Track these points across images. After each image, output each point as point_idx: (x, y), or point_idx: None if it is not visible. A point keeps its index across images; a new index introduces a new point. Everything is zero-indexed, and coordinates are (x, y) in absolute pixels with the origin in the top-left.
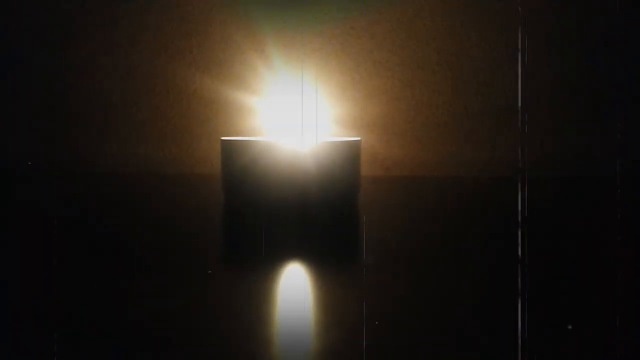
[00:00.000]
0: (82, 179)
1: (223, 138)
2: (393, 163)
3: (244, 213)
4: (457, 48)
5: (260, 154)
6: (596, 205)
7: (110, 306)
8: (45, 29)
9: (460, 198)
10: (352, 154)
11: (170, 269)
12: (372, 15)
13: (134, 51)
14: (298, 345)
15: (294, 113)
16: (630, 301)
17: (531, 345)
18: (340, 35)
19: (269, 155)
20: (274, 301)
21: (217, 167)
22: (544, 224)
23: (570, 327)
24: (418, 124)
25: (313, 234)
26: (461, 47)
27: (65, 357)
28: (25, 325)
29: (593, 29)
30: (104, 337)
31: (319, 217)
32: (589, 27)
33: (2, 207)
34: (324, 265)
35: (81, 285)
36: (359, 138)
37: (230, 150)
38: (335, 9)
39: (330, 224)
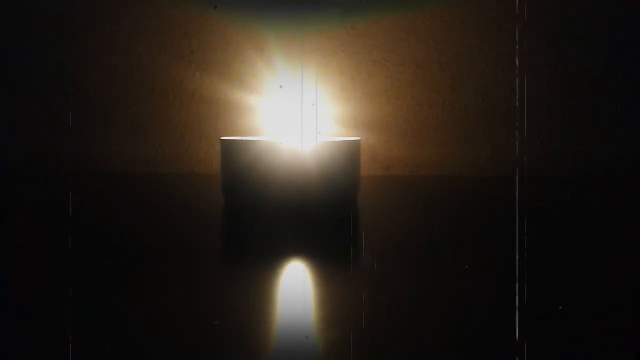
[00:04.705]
0: (82, 179)
1: (223, 138)
2: (393, 163)
3: (244, 213)
4: (457, 48)
5: (260, 154)
6: (596, 206)
7: (109, 305)
8: (45, 29)
9: (460, 198)
10: (352, 154)
11: (170, 269)
12: (373, 15)
13: (134, 51)
14: (297, 344)
15: (294, 113)
16: (630, 301)
17: (530, 344)
18: (340, 35)
19: (269, 155)
20: (273, 301)
21: (217, 167)
22: (544, 224)
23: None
24: (418, 124)
25: (313, 234)
26: (461, 47)
27: (66, 354)
28: (26, 323)
29: (593, 29)
30: (104, 336)
31: (319, 217)
32: (589, 26)
33: (1, 207)
34: (324, 264)
35: (81, 285)
36: (359, 138)
37: (230, 150)
38: (336, 9)
39: (330, 224)
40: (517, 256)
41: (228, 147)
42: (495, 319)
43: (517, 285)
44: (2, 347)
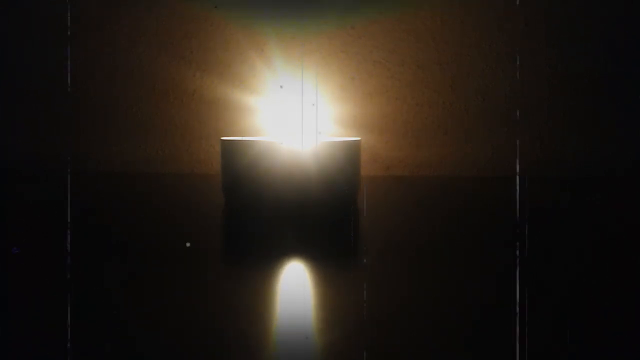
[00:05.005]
0: (82, 179)
1: (223, 138)
2: (393, 163)
3: (244, 213)
4: (457, 48)
5: (260, 154)
6: (596, 206)
7: (110, 305)
8: (45, 29)
9: (460, 198)
10: (352, 154)
11: (170, 269)
12: (372, 15)
13: (134, 51)
14: (297, 344)
15: (294, 113)
16: (631, 301)
17: (530, 345)
18: (340, 35)
19: (269, 156)
20: (273, 301)
21: (217, 167)
22: (544, 224)
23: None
24: (418, 124)
25: (313, 234)
26: (461, 47)
27: (67, 354)
28: (26, 323)
29: (593, 29)
30: (104, 336)
31: (319, 217)
32: (589, 26)
33: (1, 207)
34: (324, 265)
35: (81, 285)
36: (359, 138)
37: (230, 150)
38: (336, 9)
39: (330, 224)
40: (517, 256)
41: (228, 147)
42: (496, 319)
43: (517, 286)
44: (2, 347)
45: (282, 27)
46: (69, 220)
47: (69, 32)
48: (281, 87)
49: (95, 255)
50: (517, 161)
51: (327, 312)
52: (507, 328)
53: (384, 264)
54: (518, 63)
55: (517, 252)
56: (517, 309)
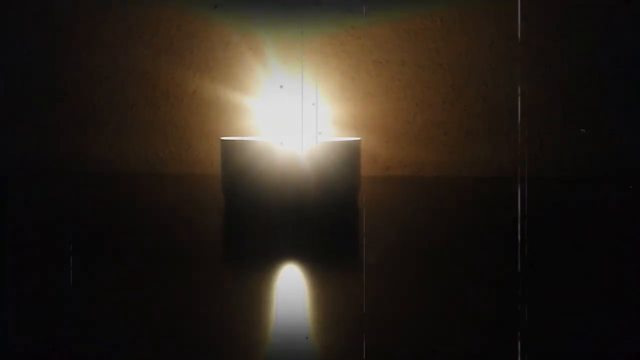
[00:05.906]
0: (82, 179)
1: (223, 138)
2: (393, 163)
3: (244, 213)
4: (457, 48)
5: (260, 154)
6: (596, 206)
7: (110, 306)
8: (45, 29)
9: (460, 198)
10: (352, 154)
11: (170, 269)
12: (372, 15)
13: (134, 51)
14: (296, 345)
15: (294, 113)
16: (631, 301)
17: (530, 345)
18: (340, 35)
19: (268, 156)
20: (273, 301)
21: (217, 167)
22: (544, 224)
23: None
24: (418, 124)
25: (312, 234)
26: (461, 47)
27: (66, 355)
28: (25, 324)
29: (593, 29)
30: (104, 337)
31: (319, 217)
32: (589, 26)
33: (1, 207)
34: (323, 265)
35: (80, 286)
36: (359, 138)
37: (230, 150)
38: (336, 9)
39: (330, 224)
40: (518, 256)
41: (228, 147)
42: (496, 320)
43: (517, 286)
44: (2, 346)
45: (282, 27)
46: (68, 221)
47: (68, 32)
48: (281, 87)
49: (94, 256)
50: (517, 161)
51: (326, 313)
52: (507, 328)
53: (384, 264)
54: (518, 63)
55: (518, 252)
56: (518, 309)
